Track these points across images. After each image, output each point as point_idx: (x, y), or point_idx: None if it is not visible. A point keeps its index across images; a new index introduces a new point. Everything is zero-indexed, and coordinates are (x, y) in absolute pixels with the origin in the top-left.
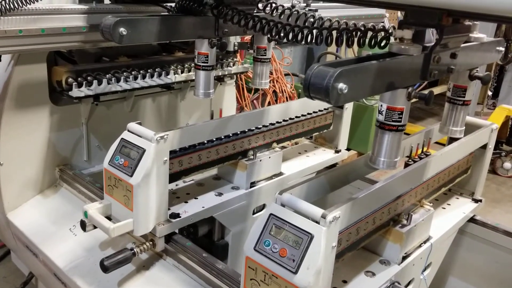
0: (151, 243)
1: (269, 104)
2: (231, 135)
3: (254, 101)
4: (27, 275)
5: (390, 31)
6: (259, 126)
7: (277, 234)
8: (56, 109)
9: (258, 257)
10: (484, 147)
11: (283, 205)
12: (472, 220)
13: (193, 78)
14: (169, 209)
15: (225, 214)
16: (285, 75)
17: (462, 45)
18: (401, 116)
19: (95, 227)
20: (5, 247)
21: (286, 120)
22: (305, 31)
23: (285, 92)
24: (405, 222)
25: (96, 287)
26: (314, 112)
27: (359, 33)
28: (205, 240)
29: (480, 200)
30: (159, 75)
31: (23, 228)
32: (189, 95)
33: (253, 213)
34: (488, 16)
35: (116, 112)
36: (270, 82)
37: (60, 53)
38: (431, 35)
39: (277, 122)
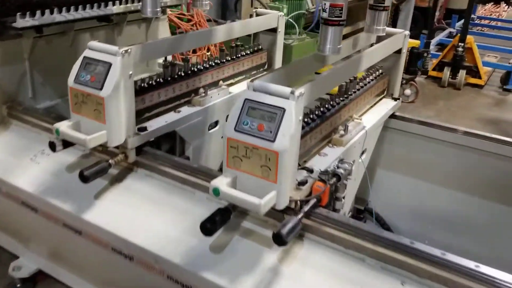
0: (123, 155)
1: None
2: (183, 74)
3: None
4: None
5: None
6: (206, 66)
7: (253, 114)
8: None
9: (238, 136)
10: (399, 52)
11: (255, 91)
12: (392, 116)
13: (131, 9)
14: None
15: (185, 129)
16: (207, 20)
17: None
18: (341, 11)
19: (64, 147)
20: None
21: (229, 61)
22: None
23: None
24: (342, 132)
25: (72, 203)
26: (251, 52)
27: None
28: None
29: (398, 98)
30: (99, 6)
31: None
32: (125, 30)
33: (209, 129)
34: None
35: (56, 47)
36: (193, 26)
37: None
38: None
39: (221, 62)
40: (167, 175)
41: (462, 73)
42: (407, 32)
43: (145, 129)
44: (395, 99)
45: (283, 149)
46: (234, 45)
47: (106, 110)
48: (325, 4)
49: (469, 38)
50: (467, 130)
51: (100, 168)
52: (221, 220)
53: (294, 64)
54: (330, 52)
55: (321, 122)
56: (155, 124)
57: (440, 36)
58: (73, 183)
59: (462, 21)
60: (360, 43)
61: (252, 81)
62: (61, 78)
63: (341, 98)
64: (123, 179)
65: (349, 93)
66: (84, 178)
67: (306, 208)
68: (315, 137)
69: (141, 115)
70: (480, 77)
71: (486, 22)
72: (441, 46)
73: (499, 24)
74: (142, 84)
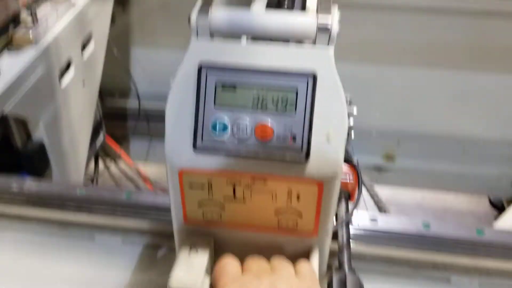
0: None
1: None
2: None
3: None
4: None
5: None
6: None
7: (235, 100)
8: None
9: (210, 161)
10: None
11: (213, 33)
12: None
13: None
14: None
15: (22, 103)
16: None
17: None
18: None
19: None
20: None
21: None
22: None
23: None
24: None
25: None
26: None
27: None
28: (3, 156)
29: None
30: None
31: None
32: None
33: (59, 80)
34: None
35: None
36: None
37: None
38: None
39: None
40: (22, 218)
41: None
42: None
43: None
44: None
45: (333, 173)
46: None
47: None
48: None
49: None
50: None
51: None
52: None
53: None
54: None
55: None
56: None
57: None
58: None
59: None
60: None
61: (202, 11)
62: None
63: None
64: None
65: None
66: None
67: (344, 235)
68: None
69: None
70: None
71: None
72: None
73: None
74: None
